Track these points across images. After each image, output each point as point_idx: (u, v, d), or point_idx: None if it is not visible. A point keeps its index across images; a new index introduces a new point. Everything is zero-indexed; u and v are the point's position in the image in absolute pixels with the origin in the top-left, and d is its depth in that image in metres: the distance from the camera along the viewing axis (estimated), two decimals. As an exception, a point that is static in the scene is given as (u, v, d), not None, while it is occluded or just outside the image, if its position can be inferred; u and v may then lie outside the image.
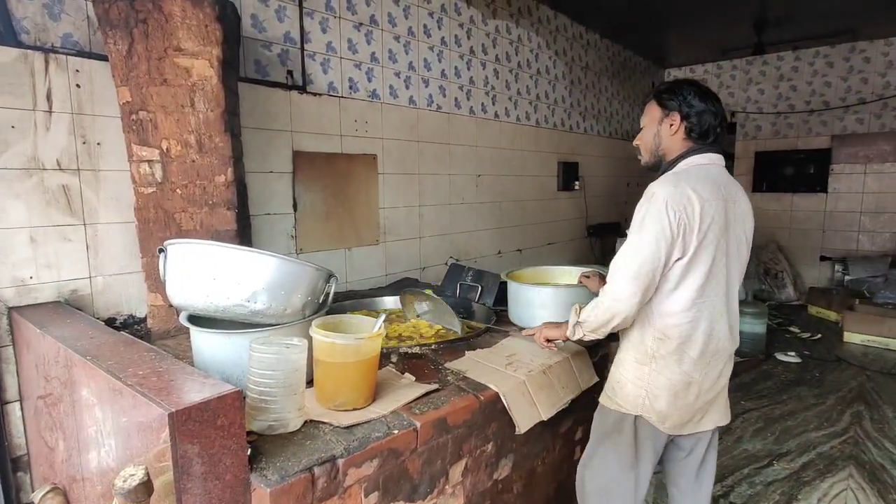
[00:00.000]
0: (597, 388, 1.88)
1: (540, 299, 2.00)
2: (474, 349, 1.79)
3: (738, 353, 1.58)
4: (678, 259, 1.39)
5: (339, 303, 2.22)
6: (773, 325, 4.85)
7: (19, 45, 1.73)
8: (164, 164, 1.77)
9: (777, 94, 6.06)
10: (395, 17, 3.02)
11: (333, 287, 1.53)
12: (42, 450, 1.68)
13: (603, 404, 1.61)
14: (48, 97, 1.80)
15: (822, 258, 5.94)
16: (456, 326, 1.98)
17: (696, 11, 4.54)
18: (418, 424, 1.29)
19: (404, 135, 3.14)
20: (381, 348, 1.40)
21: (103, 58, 1.86)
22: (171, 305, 1.80)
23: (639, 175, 6.00)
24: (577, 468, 1.70)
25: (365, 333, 1.33)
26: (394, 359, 1.69)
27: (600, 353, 2.03)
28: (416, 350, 1.77)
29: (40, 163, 1.80)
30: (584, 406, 1.85)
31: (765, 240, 6.11)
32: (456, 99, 3.50)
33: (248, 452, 1.06)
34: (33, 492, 1.64)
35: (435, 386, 1.47)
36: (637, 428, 1.52)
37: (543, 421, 1.58)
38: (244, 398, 1.17)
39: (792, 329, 4.94)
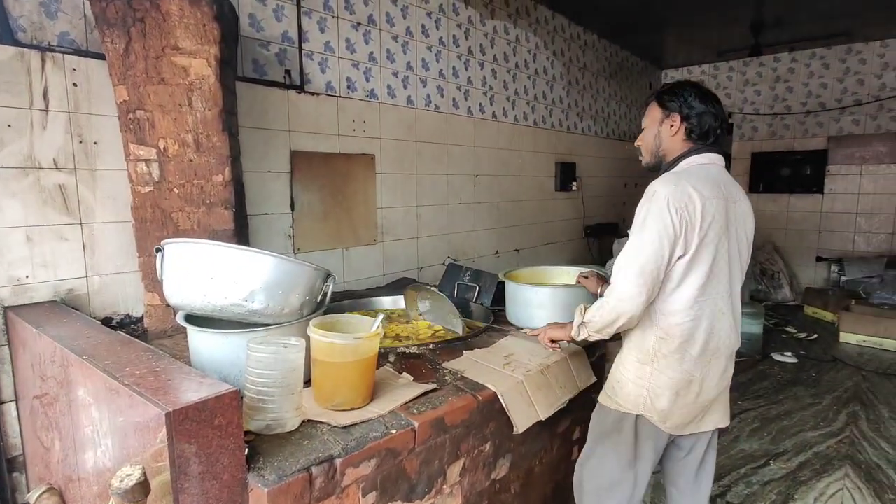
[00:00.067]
0: (594, 388, 1.89)
1: (538, 299, 2.00)
2: (472, 349, 1.79)
3: (735, 353, 1.59)
4: (680, 257, 1.39)
5: (337, 302, 2.22)
6: (769, 326, 4.87)
7: (16, 43, 1.73)
8: (161, 163, 1.76)
9: (774, 96, 6.08)
10: (393, 16, 3.02)
11: (331, 287, 1.53)
12: (38, 450, 1.67)
13: (602, 404, 1.61)
14: (45, 96, 1.79)
15: (819, 259, 5.96)
16: (457, 327, 1.97)
17: (694, 12, 4.55)
18: (416, 424, 1.28)
19: (402, 135, 3.14)
20: (379, 348, 1.40)
21: (100, 56, 1.86)
22: (168, 305, 1.79)
23: (636, 176, 6.01)
24: (575, 468, 1.70)
25: (363, 333, 1.33)
26: (392, 358, 1.68)
27: (598, 353, 2.03)
28: (414, 350, 1.77)
29: (37, 161, 1.79)
30: (581, 406, 1.85)
31: (761, 240, 6.13)
32: (454, 99, 3.50)
33: (246, 452, 1.06)
34: (29, 492, 1.64)
35: (433, 386, 1.47)
36: (637, 428, 1.52)
37: (541, 421, 1.58)
38: (242, 398, 1.17)
39: (788, 329, 4.96)
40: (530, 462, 1.76)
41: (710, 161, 1.51)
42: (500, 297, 2.25)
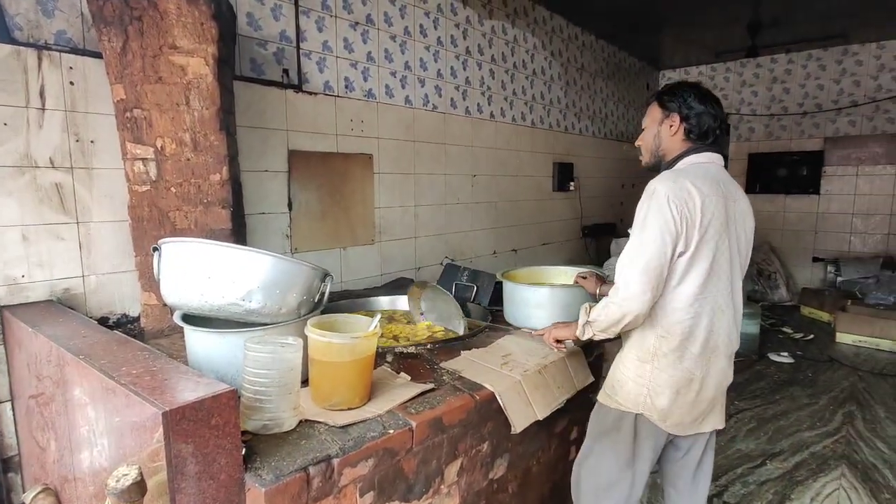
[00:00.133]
0: (592, 388, 1.89)
1: (535, 299, 2.00)
2: (470, 349, 1.79)
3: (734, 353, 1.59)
4: (681, 254, 1.39)
5: (335, 302, 2.22)
6: (766, 326, 4.89)
7: (12, 41, 1.72)
8: (158, 162, 1.76)
9: (770, 97, 6.10)
10: (391, 16, 3.01)
11: (329, 286, 1.53)
12: (33, 450, 1.66)
13: (601, 402, 1.61)
14: (41, 94, 1.78)
15: (815, 259, 5.98)
16: (459, 328, 1.97)
17: (691, 13, 4.56)
18: (414, 424, 1.28)
19: (400, 134, 3.14)
20: (377, 348, 1.40)
21: (97, 55, 1.85)
22: (165, 304, 1.79)
23: (634, 176, 6.03)
24: (573, 467, 1.70)
25: (360, 333, 1.33)
26: (389, 358, 1.68)
27: (595, 352, 2.03)
28: (412, 350, 1.76)
29: (33, 160, 1.78)
30: (579, 406, 1.85)
31: (758, 241, 6.11)
32: (452, 99, 3.50)
33: (243, 452, 1.06)
34: (24, 493, 1.63)
35: (430, 385, 1.47)
36: (637, 427, 1.52)
37: (539, 420, 1.58)
38: (239, 397, 1.16)
39: (785, 329, 4.98)
40: (528, 462, 1.76)
41: (709, 160, 1.52)
42: (497, 297, 2.25)
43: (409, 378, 1.52)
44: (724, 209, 1.44)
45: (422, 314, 2.14)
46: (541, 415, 1.59)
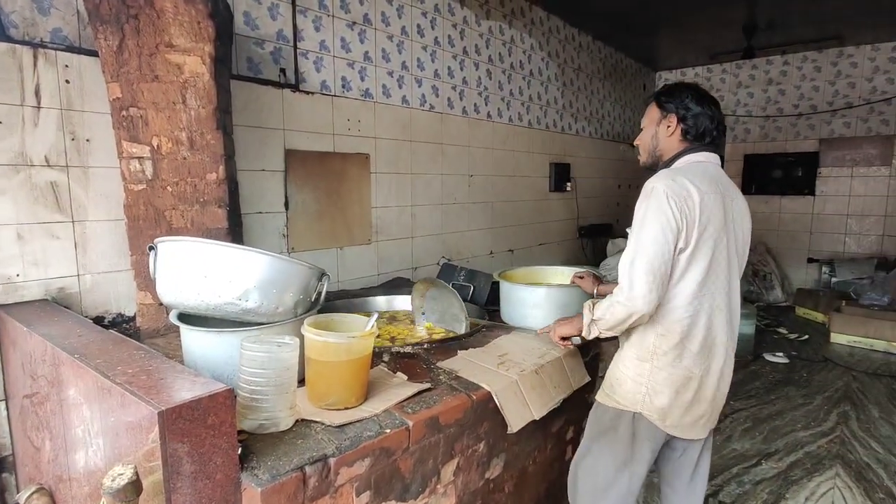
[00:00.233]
0: (588, 388, 1.90)
1: (532, 299, 2.00)
2: (466, 349, 1.79)
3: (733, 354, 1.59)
4: (681, 251, 1.39)
5: (331, 302, 2.22)
6: (761, 326, 4.90)
7: (7, 39, 1.71)
8: (154, 161, 1.75)
9: (766, 98, 6.12)
10: (388, 16, 3.01)
11: (326, 286, 1.53)
12: (28, 450, 1.65)
13: (600, 402, 1.61)
14: (36, 92, 1.77)
15: (810, 260, 6.01)
16: (460, 329, 1.97)
17: (687, 15, 4.58)
18: (410, 423, 1.28)
19: (397, 134, 3.14)
20: (374, 347, 1.39)
21: (93, 53, 1.84)
22: (160, 304, 1.79)
23: (630, 177, 6.04)
24: (570, 466, 1.70)
25: (357, 332, 1.33)
26: (386, 358, 1.68)
27: (592, 352, 2.04)
28: (409, 349, 1.76)
29: (28, 159, 1.77)
30: (575, 406, 1.86)
31: (753, 241, 6.09)
32: (449, 99, 3.50)
33: (239, 451, 1.05)
34: (18, 493, 1.62)
35: (427, 385, 1.47)
36: (635, 426, 1.52)
37: (535, 420, 1.58)
38: (235, 397, 1.16)
39: (780, 330, 5.00)
40: (524, 462, 1.77)
41: (706, 159, 1.52)
42: (494, 297, 2.25)
43: (406, 378, 1.52)
44: (722, 207, 1.44)
45: (423, 314, 2.13)
46: (537, 414, 1.59)
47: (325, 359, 1.28)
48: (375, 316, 1.40)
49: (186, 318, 1.42)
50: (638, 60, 6.18)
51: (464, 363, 1.66)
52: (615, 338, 1.62)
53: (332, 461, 1.12)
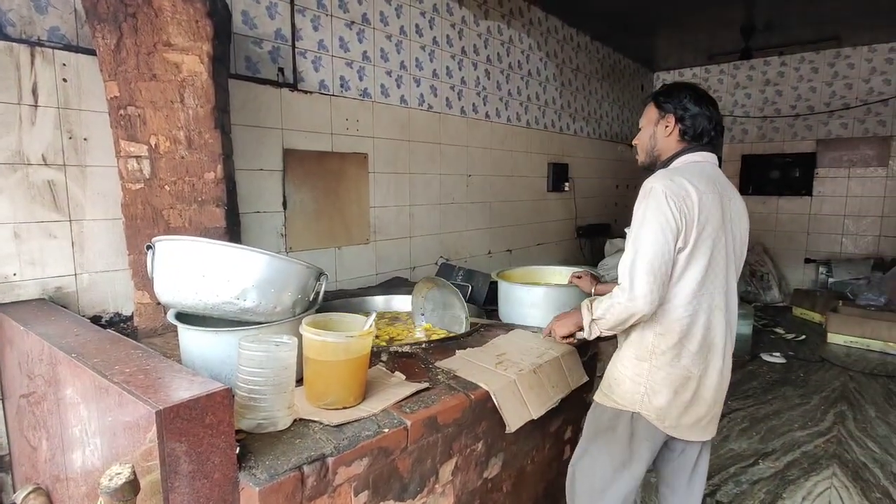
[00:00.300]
0: (586, 388, 1.90)
1: (530, 299, 2.01)
2: (465, 348, 1.79)
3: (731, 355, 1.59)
4: (681, 250, 1.40)
5: (329, 301, 2.21)
6: (758, 326, 4.92)
7: (5, 37, 1.70)
8: (152, 160, 1.75)
9: (763, 99, 6.14)
10: (387, 15, 3.01)
11: (324, 285, 1.53)
12: (25, 449, 1.65)
13: (598, 402, 1.61)
14: (34, 91, 1.77)
15: (807, 260, 6.03)
16: (459, 330, 1.96)
17: (685, 16, 4.59)
18: (408, 423, 1.28)
19: (395, 134, 3.14)
20: (372, 347, 1.39)
21: (91, 52, 1.84)
22: (158, 303, 1.78)
23: (628, 177, 6.05)
24: (568, 467, 1.70)
25: (355, 332, 1.33)
26: (384, 357, 1.68)
27: (590, 352, 2.04)
28: (407, 349, 1.76)
29: (25, 157, 1.77)
30: (573, 405, 1.86)
31: (751, 242, 6.10)
32: (447, 99, 3.50)
33: (237, 451, 1.05)
34: (15, 492, 1.62)
35: (425, 385, 1.47)
36: (633, 426, 1.52)
37: (533, 420, 1.59)
38: (233, 396, 1.16)
39: (777, 330, 5.01)
40: (522, 461, 1.77)
41: (704, 159, 1.53)
42: (492, 297, 2.25)
43: (404, 377, 1.52)
44: (720, 207, 1.44)
45: (422, 315, 2.13)
46: (535, 414, 1.59)
47: (323, 358, 1.28)
48: (374, 315, 1.40)
49: (184, 317, 1.42)
50: (636, 61, 6.19)
51: (462, 363, 1.66)
52: (613, 337, 1.62)
53: (330, 461, 1.12)
